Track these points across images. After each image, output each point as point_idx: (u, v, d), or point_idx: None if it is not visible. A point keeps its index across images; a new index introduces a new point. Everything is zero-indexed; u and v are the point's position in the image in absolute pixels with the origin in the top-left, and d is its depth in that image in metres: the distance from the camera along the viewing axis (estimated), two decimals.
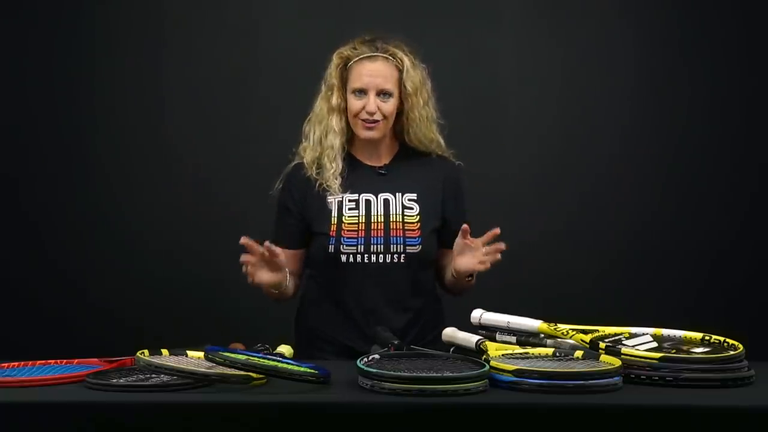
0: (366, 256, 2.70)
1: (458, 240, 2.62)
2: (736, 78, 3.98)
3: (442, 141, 2.83)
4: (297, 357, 2.35)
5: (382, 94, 2.70)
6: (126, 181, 3.98)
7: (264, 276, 2.59)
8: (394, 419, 1.94)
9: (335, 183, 2.72)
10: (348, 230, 2.71)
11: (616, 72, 4.00)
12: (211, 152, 3.97)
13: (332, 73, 2.76)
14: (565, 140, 4.01)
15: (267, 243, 2.55)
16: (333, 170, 2.73)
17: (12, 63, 3.96)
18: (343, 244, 2.70)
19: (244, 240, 2.54)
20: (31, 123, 3.96)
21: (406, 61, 2.73)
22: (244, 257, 2.55)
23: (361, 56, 2.73)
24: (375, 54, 2.73)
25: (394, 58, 2.73)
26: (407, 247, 2.71)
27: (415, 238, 2.72)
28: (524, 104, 4.02)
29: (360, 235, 2.71)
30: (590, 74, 4.00)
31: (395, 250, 2.71)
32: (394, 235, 2.71)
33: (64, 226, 3.96)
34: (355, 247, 2.70)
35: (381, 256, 2.70)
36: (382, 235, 2.71)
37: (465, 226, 2.58)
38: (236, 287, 3.85)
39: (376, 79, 2.70)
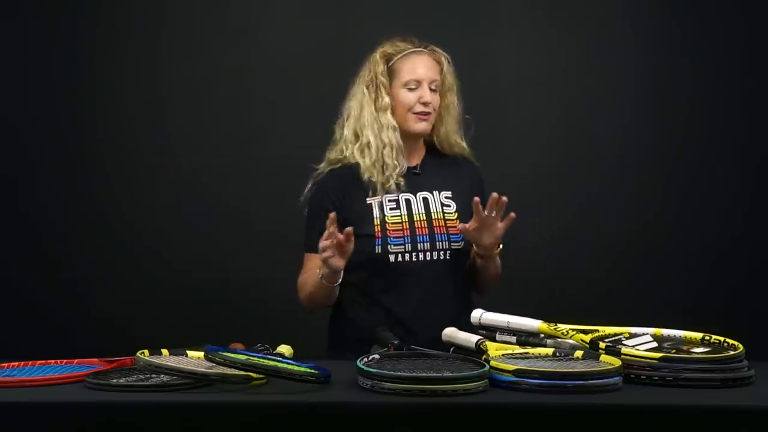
0: (414, 254, 2.71)
1: (469, 227, 2.63)
2: (736, 78, 3.97)
3: (465, 144, 2.87)
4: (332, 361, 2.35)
5: (431, 87, 2.75)
6: (126, 181, 3.97)
7: (339, 262, 2.54)
8: (394, 419, 1.94)
9: (401, 181, 2.74)
10: (393, 230, 2.72)
11: (617, 72, 4.00)
12: (212, 153, 3.96)
13: (379, 71, 2.77)
14: (565, 141, 4.01)
15: (348, 229, 2.51)
16: (398, 169, 2.74)
17: (12, 63, 3.96)
18: (390, 244, 2.70)
19: (332, 222, 2.48)
20: (30, 123, 3.96)
21: (444, 58, 2.79)
22: (325, 243, 2.49)
23: (408, 51, 2.78)
24: (420, 49, 2.78)
25: (434, 53, 2.79)
26: (452, 244, 2.74)
27: (458, 234, 2.73)
28: (525, 105, 4.01)
29: (405, 234, 2.72)
30: (591, 74, 4.00)
31: (441, 246, 2.73)
32: (439, 232, 2.74)
33: (64, 226, 3.95)
34: (402, 246, 2.71)
35: (428, 253, 2.72)
36: (427, 233, 2.73)
37: (476, 199, 2.59)
38: (236, 287, 3.91)
39: (429, 71, 2.76)
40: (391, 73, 2.77)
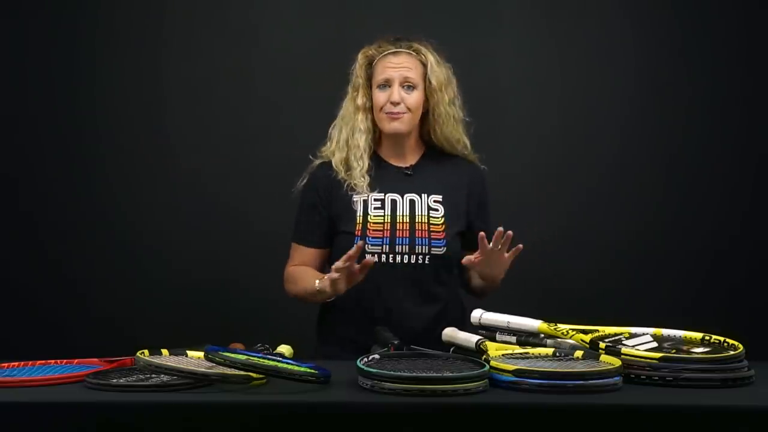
0: (391, 256, 2.70)
1: (475, 260, 2.57)
2: (736, 78, 3.97)
3: (468, 142, 2.85)
4: (318, 358, 2.35)
5: (406, 86, 2.73)
6: (126, 181, 3.97)
7: (342, 286, 2.57)
8: (394, 419, 1.94)
9: (363, 182, 2.73)
10: (373, 229, 2.71)
11: (616, 72, 4.00)
12: (212, 153, 3.96)
13: (357, 72, 2.79)
14: (565, 140, 4.01)
15: (371, 259, 2.55)
16: (360, 169, 2.73)
17: (12, 63, 3.96)
18: (368, 244, 2.69)
19: (357, 250, 2.51)
20: (30, 123, 3.96)
21: (430, 57, 2.77)
22: (339, 266, 2.51)
23: (386, 52, 2.77)
24: (399, 49, 2.77)
25: (417, 53, 2.77)
26: (432, 249, 2.71)
27: (440, 239, 2.72)
28: (524, 105, 4.01)
29: (385, 234, 2.71)
30: (590, 74, 4.00)
31: (420, 251, 2.71)
32: (420, 236, 2.72)
33: (64, 226, 3.95)
34: (380, 247, 2.69)
35: (406, 256, 2.70)
36: (408, 235, 2.71)
37: (481, 234, 2.53)
38: (236, 287, 3.91)
39: (400, 70, 2.74)
40: (371, 75, 2.78)
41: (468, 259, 2.58)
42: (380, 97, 2.74)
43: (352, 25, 3.89)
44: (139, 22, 3.98)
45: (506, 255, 2.56)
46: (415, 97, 2.74)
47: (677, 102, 3.99)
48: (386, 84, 2.73)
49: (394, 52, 2.76)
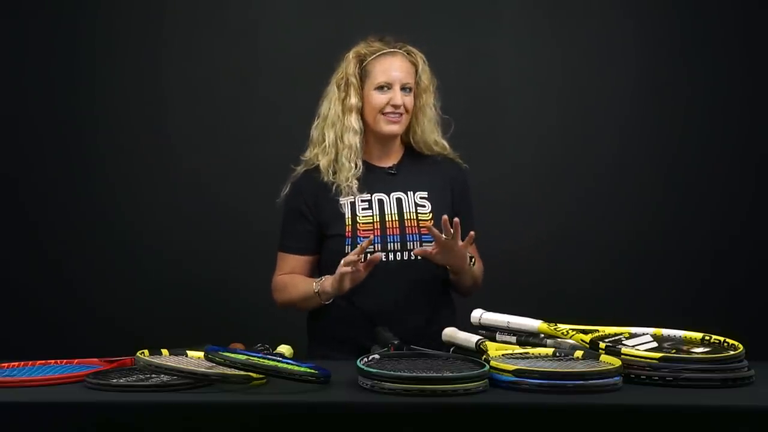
0: (384, 254, 2.70)
1: (432, 252, 2.62)
2: (736, 78, 3.97)
3: (446, 143, 2.85)
4: (312, 360, 2.35)
5: (404, 88, 2.74)
6: (126, 181, 3.98)
7: (347, 283, 2.60)
8: (394, 419, 1.94)
9: (354, 183, 2.73)
10: (363, 230, 2.72)
11: (616, 72, 4.00)
12: (212, 153, 3.96)
13: (350, 72, 2.77)
14: (564, 140, 4.01)
15: (378, 255, 2.61)
16: (353, 170, 2.74)
17: (12, 63, 3.96)
18: (359, 245, 2.68)
19: (370, 241, 2.61)
20: (30, 123, 3.96)
21: (420, 58, 2.79)
22: (351, 259, 2.55)
23: (382, 52, 2.77)
24: (394, 50, 2.77)
25: (409, 54, 2.79)
26: (424, 244, 2.72)
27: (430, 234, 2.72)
28: (524, 104, 4.01)
29: (376, 234, 2.71)
30: (590, 74, 4.00)
31: (412, 247, 2.72)
32: (410, 232, 2.73)
33: (64, 226, 3.95)
34: (372, 246, 2.70)
35: (398, 254, 2.71)
36: (398, 233, 2.72)
37: (428, 224, 2.59)
38: (236, 287, 3.91)
39: (402, 73, 2.75)
40: (363, 74, 2.77)
41: (423, 249, 2.63)
42: (380, 98, 2.74)
43: (351, 26, 3.87)
44: (139, 22, 3.98)
45: (461, 243, 2.58)
46: (411, 99, 2.77)
47: (677, 102, 3.99)
48: (387, 86, 2.73)
49: (391, 53, 2.77)
